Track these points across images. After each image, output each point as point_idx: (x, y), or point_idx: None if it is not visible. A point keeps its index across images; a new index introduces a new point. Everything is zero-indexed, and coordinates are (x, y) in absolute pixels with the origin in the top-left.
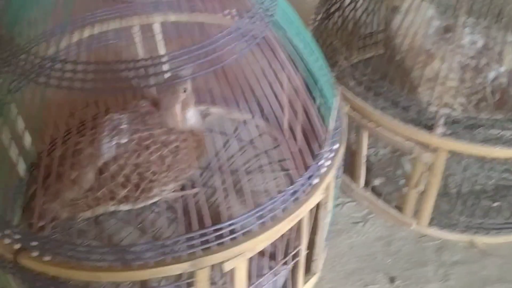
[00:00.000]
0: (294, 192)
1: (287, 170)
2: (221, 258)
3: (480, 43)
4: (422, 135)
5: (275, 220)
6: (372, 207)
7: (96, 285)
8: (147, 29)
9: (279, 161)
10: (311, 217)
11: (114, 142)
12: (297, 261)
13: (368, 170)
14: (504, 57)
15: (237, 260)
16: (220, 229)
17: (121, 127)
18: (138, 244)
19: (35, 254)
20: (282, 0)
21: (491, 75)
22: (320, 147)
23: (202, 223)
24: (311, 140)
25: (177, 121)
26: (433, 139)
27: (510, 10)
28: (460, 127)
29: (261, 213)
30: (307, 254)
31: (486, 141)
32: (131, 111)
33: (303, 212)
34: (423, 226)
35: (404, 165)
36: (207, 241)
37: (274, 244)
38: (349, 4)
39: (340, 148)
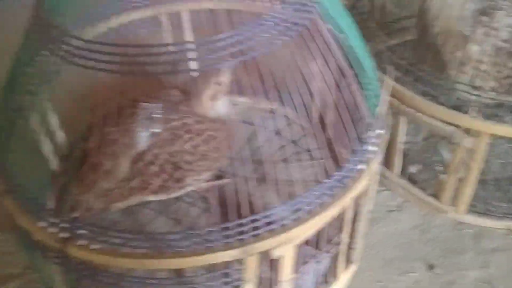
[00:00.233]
0: (342, 178)
1: (320, 159)
2: (271, 245)
3: None
4: (464, 119)
5: (323, 206)
6: (407, 195)
7: (136, 273)
8: (177, 17)
9: (319, 148)
10: (354, 204)
11: (148, 132)
12: (339, 249)
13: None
14: None
15: (286, 247)
16: (270, 215)
17: (155, 116)
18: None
19: (83, 242)
20: None
21: None
22: (366, 131)
23: (239, 213)
24: (357, 124)
25: (206, 109)
26: (475, 123)
27: None
28: (502, 111)
29: (309, 199)
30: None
31: None
32: (163, 100)
33: (350, 197)
34: (460, 214)
35: (442, 151)
36: (257, 228)
37: (317, 232)
38: None
39: (384, 133)
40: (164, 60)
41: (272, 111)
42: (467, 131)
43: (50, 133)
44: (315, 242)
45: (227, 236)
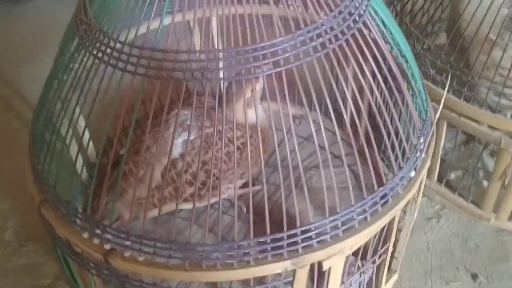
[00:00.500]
0: (394, 186)
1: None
2: (322, 256)
3: None
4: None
5: (376, 216)
6: (445, 202)
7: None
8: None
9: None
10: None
11: (181, 139)
12: (383, 259)
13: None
14: None
15: (336, 258)
16: (324, 225)
17: (188, 123)
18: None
19: (128, 254)
20: None
21: None
22: (417, 138)
23: (272, 221)
24: (411, 131)
25: (239, 116)
26: None
27: None
28: None
29: (363, 208)
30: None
31: None
32: (195, 106)
33: (400, 206)
34: (502, 221)
35: (484, 157)
36: (309, 238)
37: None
38: None
39: (432, 139)
40: (197, 67)
41: (302, 117)
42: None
43: (79, 140)
44: (360, 252)
45: (278, 248)
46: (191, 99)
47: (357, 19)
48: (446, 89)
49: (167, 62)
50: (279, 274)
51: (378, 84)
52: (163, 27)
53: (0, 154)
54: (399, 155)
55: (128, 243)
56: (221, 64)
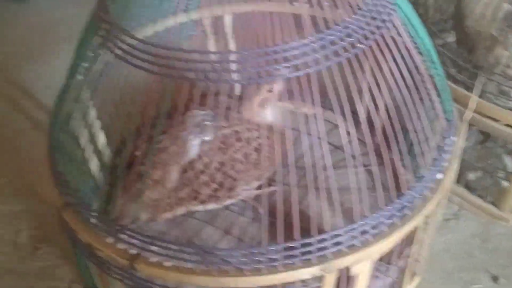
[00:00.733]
0: (422, 189)
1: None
2: (351, 261)
3: None
4: None
5: (404, 219)
6: (463, 203)
7: None
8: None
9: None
10: None
11: (199, 140)
12: (407, 262)
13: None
14: None
15: (365, 263)
16: (353, 229)
17: (205, 123)
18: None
19: (154, 260)
20: None
21: None
22: (443, 139)
23: (290, 223)
24: (437, 132)
25: (256, 116)
26: None
27: None
28: None
29: (392, 212)
30: None
31: None
32: (212, 107)
33: (428, 209)
34: None
35: (505, 157)
36: (339, 243)
37: None
38: None
39: (458, 140)
40: (212, 68)
41: (316, 116)
42: None
43: (94, 142)
44: (386, 256)
45: (307, 253)
46: (209, 99)
47: (386, 18)
48: (474, 92)
49: (194, 63)
50: (305, 280)
51: (406, 86)
52: (190, 22)
53: (9, 155)
54: (426, 157)
55: (155, 248)
56: (247, 65)
